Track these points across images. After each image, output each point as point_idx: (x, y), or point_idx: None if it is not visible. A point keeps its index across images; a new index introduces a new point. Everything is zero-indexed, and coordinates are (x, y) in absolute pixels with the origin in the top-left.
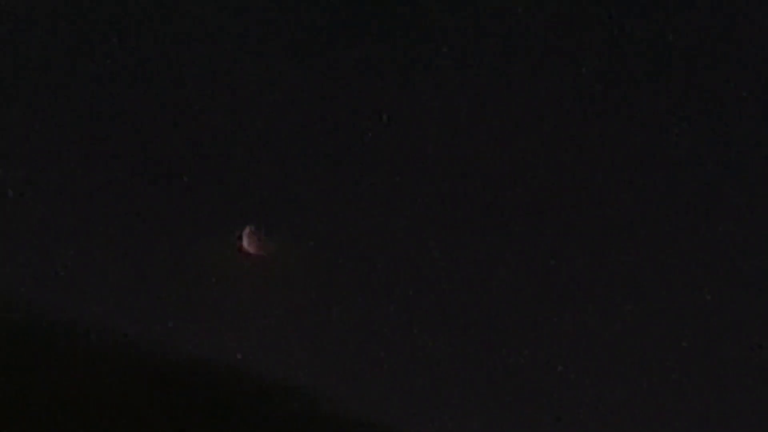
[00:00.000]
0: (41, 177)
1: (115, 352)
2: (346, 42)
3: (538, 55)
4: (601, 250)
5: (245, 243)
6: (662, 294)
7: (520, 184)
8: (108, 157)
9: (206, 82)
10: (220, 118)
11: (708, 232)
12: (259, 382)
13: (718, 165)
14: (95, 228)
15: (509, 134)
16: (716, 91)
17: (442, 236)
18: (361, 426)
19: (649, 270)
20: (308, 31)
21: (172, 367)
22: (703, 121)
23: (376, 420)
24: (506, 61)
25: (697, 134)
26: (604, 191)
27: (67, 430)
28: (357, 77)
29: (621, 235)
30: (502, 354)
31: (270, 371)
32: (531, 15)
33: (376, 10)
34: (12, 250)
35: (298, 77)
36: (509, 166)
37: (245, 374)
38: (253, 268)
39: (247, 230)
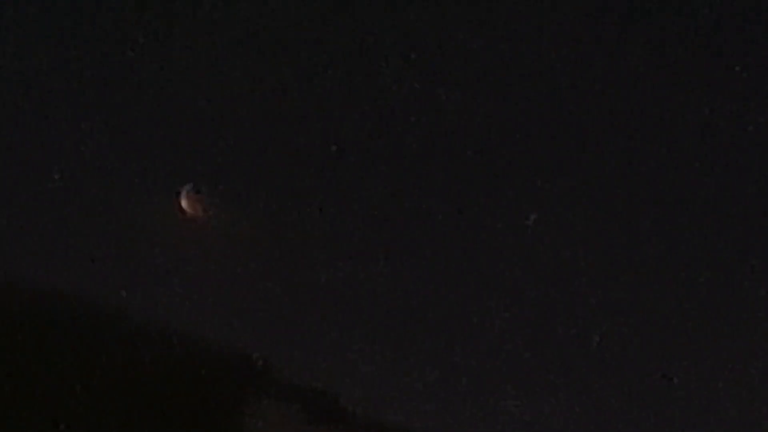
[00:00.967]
0: None
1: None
2: None
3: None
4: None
5: (184, 203)
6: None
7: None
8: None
9: (138, 32)
10: (158, 66)
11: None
12: (201, 348)
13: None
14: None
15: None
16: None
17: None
18: (305, 392)
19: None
20: None
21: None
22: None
23: (317, 386)
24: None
25: None
26: None
27: None
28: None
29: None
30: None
31: (209, 339)
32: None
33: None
34: None
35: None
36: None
37: (187, 342)
38: (192, 230)
39: (186, 189)
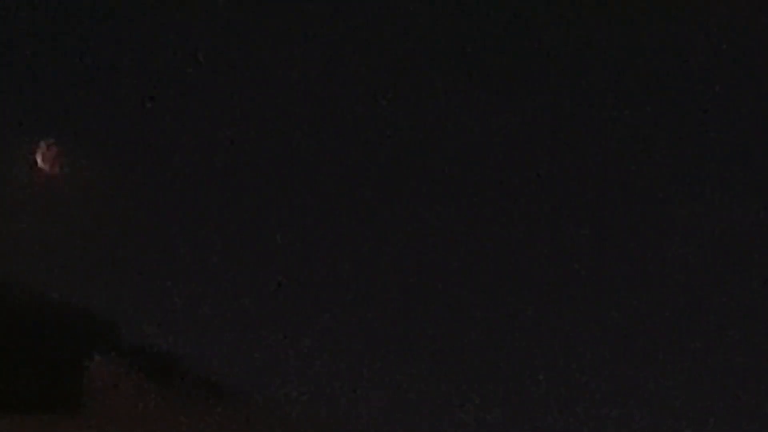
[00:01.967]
0: None
1: None
2: None
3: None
4: None
5: (40, 159)
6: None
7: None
8: None
9: None
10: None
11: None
12: (49, 303)
13: None
14: None
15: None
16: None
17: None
18: (150, 349)
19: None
20: None
21: None
22: None
23: (158, 342)
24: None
25: None
26: None
27: None
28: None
29: None
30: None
31: (62, 295)
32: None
33: None
34: None
35: None
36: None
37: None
38: (50, 189)
39: (43, 145)
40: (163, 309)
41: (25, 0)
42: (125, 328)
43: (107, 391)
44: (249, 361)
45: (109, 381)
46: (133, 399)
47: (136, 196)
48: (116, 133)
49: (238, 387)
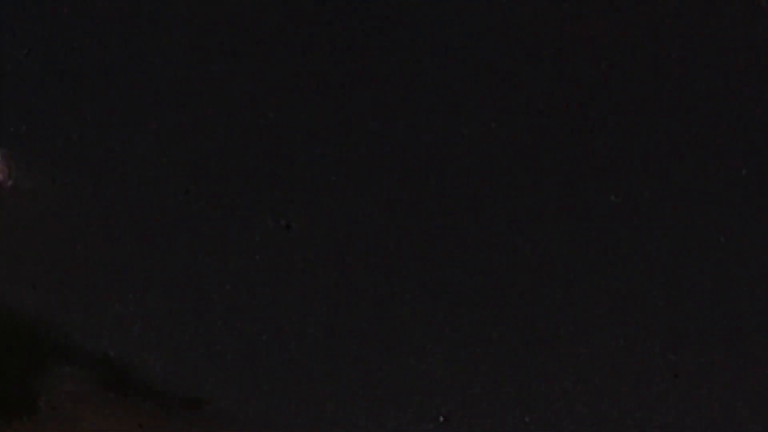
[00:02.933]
0: None
1: None
2: None
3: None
4: None
5: None
6: None
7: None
8: None
9: None
10: None
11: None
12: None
13: None
14: None
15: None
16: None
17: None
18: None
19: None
20: None
21: None
22: None
23: (114, 352)
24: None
25: None
26: None
27: None
28: None
29: None
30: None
31: (14, 305)
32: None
33: None
34: None
35: None
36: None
37: None
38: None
39: None
40: (130, 321)
41: None
42: (90, 339)
43: (74, 402)
44: (225, 373)
45: (76, 392)
46: (100, 410)
47: (83, 204)
48: (65, 144)
49: (214, 398)
